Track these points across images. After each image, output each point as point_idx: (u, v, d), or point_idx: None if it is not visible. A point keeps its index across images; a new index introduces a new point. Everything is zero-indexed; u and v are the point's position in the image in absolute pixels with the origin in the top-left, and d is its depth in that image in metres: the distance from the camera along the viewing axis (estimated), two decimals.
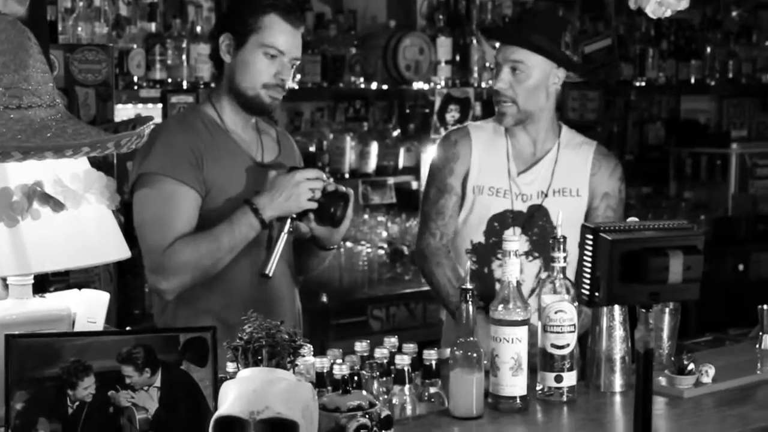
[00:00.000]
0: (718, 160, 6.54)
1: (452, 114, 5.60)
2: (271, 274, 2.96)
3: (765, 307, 3.18)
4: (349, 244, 5.08)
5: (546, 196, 3.28)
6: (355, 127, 5.43)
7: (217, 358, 2.18)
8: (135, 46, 4.47)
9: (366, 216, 5.31)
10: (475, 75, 5.55)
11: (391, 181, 5.48)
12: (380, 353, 2.59)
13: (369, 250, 5.16)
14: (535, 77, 3.21)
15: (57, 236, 2.24)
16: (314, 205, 2.94)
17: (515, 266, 2.62)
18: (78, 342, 2.13)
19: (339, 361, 2.49)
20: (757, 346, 3.18)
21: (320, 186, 2.94)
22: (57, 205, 2.24)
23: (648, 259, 2.08)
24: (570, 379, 2.69)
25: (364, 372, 2.55)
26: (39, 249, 2.21)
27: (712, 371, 2.81)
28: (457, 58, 5.51)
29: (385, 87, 5.43)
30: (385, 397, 2.53)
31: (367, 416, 2.18)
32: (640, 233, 2.14)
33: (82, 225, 2.28)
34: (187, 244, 2.89)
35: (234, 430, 1.96)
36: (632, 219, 2.33)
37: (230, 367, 2.34)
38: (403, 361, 2.52)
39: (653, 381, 2.69)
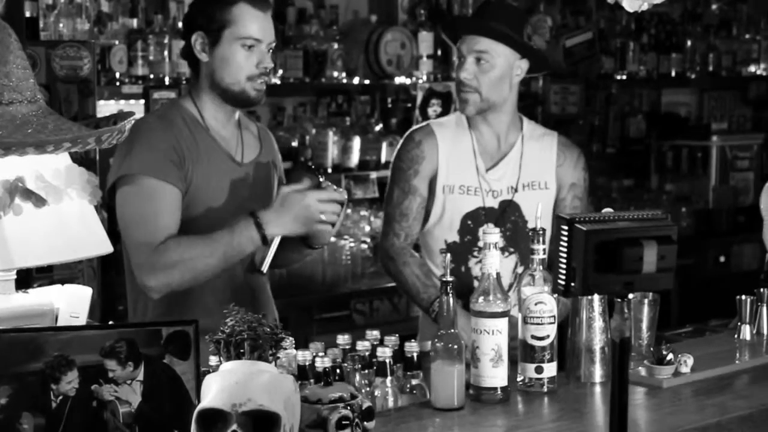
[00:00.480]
0: (698, 152, 6.58)
1: (434, 108, 5.61)
2: (264, 271, 2.95)
3: (743, 297, 3.22)
4: (332, 238, 5.09)
5: (516, 190, 3.30)
6: (338, 122, 5.45)
7: (200, 351, 2.19)
8: (117, 42, 4.48)
9: (349, 210, 5.33)
10: None
11: (373, 175, 5.49)
12: (362, 346, 2.60)
13: (352, 244, 5.18)
14: (499, 67, 3.22)
15: (39, 231, 2.25)
16: (326, 228, 2.86)
17: (495, 258, 2.64)
18: (61, 336, 2.13)
19: (321, 353, 2.51)
20: (736, 336, 3.22)
21: (335, 210, 2.85)
22: (39, 201, 2.25)
23: (622, 250, 2.10)
24: (550, 370, 2.72)
25: (346, 364, 2.57)
26: (21, 244, 2.22)
27: (690, 361, 2.84)
28: (439, 52, 5.53)
29: (367, 82, 5.45)
30: (368, 389, 2.55)
31: (348, 408, 2.20)
32: (614, 224, 2.16)
33: (64, 220, 2.29)
34: (180, 243, 2.84)
35: (217, 422, 1.98)
36: (607, 210, 2.35)
37: (212, 360, 2.35)
38: (384, 353, 2.54)
39: (633, 371, 2.75)
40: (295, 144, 5.22)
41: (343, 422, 2.18)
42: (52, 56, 3.89)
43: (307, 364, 2.49)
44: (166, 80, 4.59)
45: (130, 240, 2.90)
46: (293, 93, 5.42)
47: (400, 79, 5.47)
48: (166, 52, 4.57)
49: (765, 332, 3.24)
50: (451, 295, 2.57)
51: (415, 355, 2.59)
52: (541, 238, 2.73)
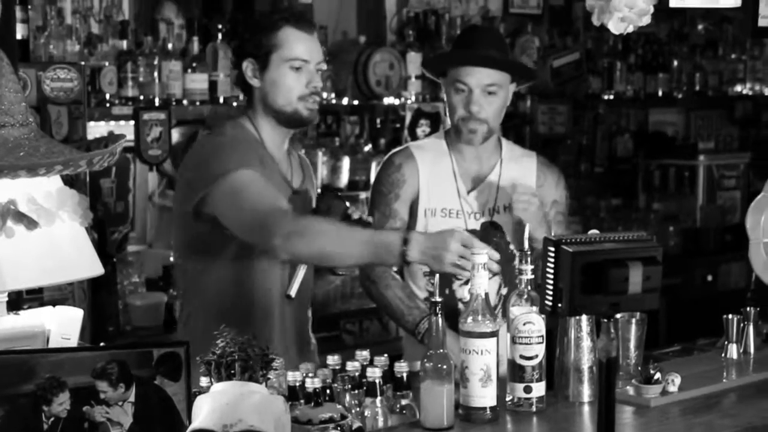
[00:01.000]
0: (686, 171, 6.61)
1: (423, 128, 5.64)
2: (293, 295, 2.97)
3: (730, 316, 3.24)
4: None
5: (497, 212, 3.32)
6: (327, 143, 5.47)
7: (191, 372, 2.21)
8: (107, 63, 4.49)
9: None
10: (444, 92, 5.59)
11: (363, 195, 5.51)
12: (352, 366, 2.61)
13: None
14: (503, 97, 3.27)
15: (31, 254, 2.26)
16: (458, 272, 2.73)
17: (484, 279, 2.65)
18: (52, 358, 2.15)
19: (311, 374, 2.52)
20: (723, 355, 3.24)
21: (474, 260, 2.64)
22: (31, 223, 2.27)
23: (608, 271, 2.13)
24: (539, 389, 2.73)
25: (336, 385, 2.58)
26: (13, 266, 2.24)
27: (678, 380, 2.86)
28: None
29: (356, 102, 5.47)
30: (357, 409, 2.56)
31: (338, 428, 2.22)
32: (600, 245, 2.19)
33: (56, 242, 2.31)
34: (319, 218, 2.85)
35: None
36: (593, 231, 2.38)
37: (203, 381, 2.36)
38: (374, 373, 2.55)
39: (621, 390, 2.76)
40: None
41: None
42: (43, 78, 3.91)
43: (297, 384, 2.50)
44: (156, 101, 4.61)
45: (257, 213, 2.80)
46: None
47: (388, 100, 5.49)
48: (156, 73, 4.59)
49: (752, 351, 3.26)
50: (440, 315, 2.59)
51: (404, 375, 2.61)
52: (528, 259, 2.75)
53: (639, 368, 2.95)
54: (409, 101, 5.55)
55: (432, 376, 2.57)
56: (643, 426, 2.67)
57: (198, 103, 4.75)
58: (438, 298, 2.61)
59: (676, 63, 6.68)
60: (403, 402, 2.61)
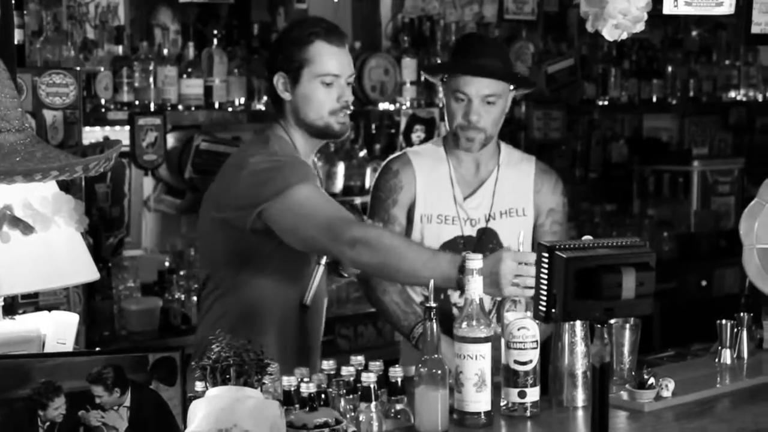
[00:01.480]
0: (680, 177, 6.63)
1: (418, 134, 5.65)
2: (308, 304, 2.99)
3: (724, 321, 3.25)
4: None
5: (494, 218, 3.33)
6: (322, 148, 5.45)
7: (186, 377, 2.21)
8: (102, 68, 4.50)
9: None
10: (441, 95, 5.61)
11: (357, 201, 5.52)
12: (347, 371, 2.62)
13: None
14: (501, 105, 3.28)
15: (27, 259, 2.27)
16: (519, 294, 2.69)
17: (478, 284, 2.65)
18: (48, 363, 2.15)
19: (306, 378, 2.53)
20: (717, 360, 3.25)
21: (532, 274, 2.54)
22: (27, 228, 2.27)
23: (602, 276, 2.14)
24: (533, 394, 2.74)
25: (330, 390, 2.59)
26: (9, 271, 2.24)
27: (672, 385, 2.87)
28: (422, 78, 5.57)
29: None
30: (352, 414, 2.56)
31: None
32: (594, 251, 2.20)
33: (52, 247, 2.31)
34: (384, 229, 2.92)
35: None
36: (587, 237, 2.39)
37: (198, 386, 2.37)
38: (369, 378, 2.55)
39: (615, 395, 2.77)
40: None
41: None
42: (38, 83, 3.90)
43: (292, 389, 2.51)
44: (152, 106, 4.61)
45: (324, 223, 2.83)
46: None
47: (383, 105, 5.50)
48: (151, 79, 4.60)
49: (745, 356, 3.28)
50: (434, 320, 2.60)
51: (399, 380, 2.61)
52: None
53: (633, 373, 2.96)
54: (404, 107, 5.57)
55: (427, 381, 2.57)
56: (637, 431, 2.68)
57: (193, 109, 4.75)
58: (432, 304, 2.61)
59: (670, 69, 6.70)
60: (398, 407, 2.62)
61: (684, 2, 3.18)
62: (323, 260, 3.01)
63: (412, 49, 5.55)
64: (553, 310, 2.16)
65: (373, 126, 5.71)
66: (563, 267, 2.14)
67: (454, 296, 3.27)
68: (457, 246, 3.28)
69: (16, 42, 3.95)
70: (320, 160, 5.33)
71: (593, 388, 2.18)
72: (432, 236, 3.29)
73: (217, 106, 4.79)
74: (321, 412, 2.28)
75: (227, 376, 2.13)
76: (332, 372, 2.64)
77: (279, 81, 3.04)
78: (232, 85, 4.83)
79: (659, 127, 7.09)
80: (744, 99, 7.12)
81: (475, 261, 2.66)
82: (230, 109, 4.84)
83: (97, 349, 3.69)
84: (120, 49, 4.58)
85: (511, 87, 3.31)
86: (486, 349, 2.65)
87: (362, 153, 5.58)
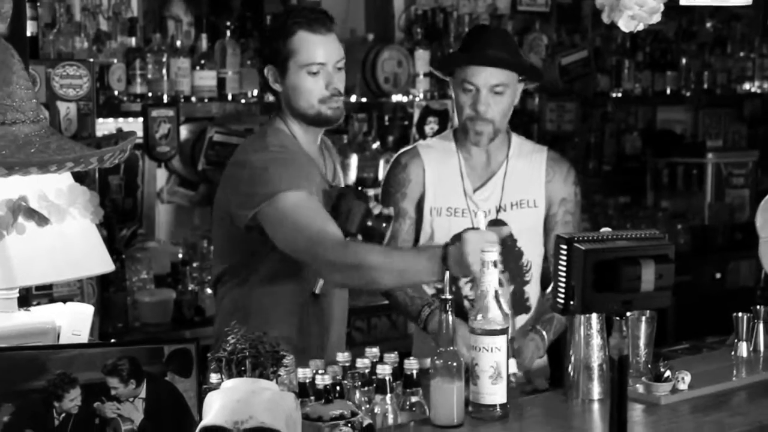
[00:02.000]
0: (694, 169, 6.59)
1: (431, 126, 5.64)
2: (318, 292, 2.99)
3: (740, 314, 3.23)
4: None
5: (504, 210, 3.31)
6: (335, 140, 5.43)
7: (201, 369, 2.21)
8: (115, 60, 4.49)
9: None
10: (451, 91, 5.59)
11: (371, 192, 5.50)
12: (362, 363, 2.62)
13: None
14: (510, 96, 3.26)
15: (42, 250, 2.26)
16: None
17: (494, 276, 2.65)
18: (63, 354, 2.15)
19: (321, 371, 2.52)
20: (733, 353, 3.24)
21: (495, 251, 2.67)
22: (42, 220, 2.27)
23: (621, 269, 2.12)
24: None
25: (345, 382, 2.58)
26: (24, 263, 2.24)
27: (688, 378, 2.86)
28: None
29: (364, 100, 5.46)
30: (367, 406, 2.56)
31: (349, 425, 2.22)
32: (612, 243, 2.19)
33: (67, 239, 2.31)
34: (364, 247, 2.88)
35: None
36: (605, 229, 2.38)
37: (213, 378, 2.37)
38: (384, 370, 2.55)
39: (631, 388, 2.76)
40: None
41: None
42: (52, 75, 3.91)
43: (307, 381, 2.50)
44: (165, 98, 4.61)
45: (306, 239, 2.86)
46: None
47: (397, 97, 5.49)
48: (164, 71, 4.59)
49: (762, 349, 3.26)
50: (450, 312, 2.59)
51: (414, 372, 2.60)
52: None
53: (649, 366, 2.95)
54: (417, 99, 5.55)
55: (442, 373, 2.57)
56: (653, 424, 2.67)
57: (206, 100, 4.75)
58: (448, 296, 2.60)
59: (684, 61, 6.67)
60: (413, 399, 2.61)
61: None
62: None
63: (425, 41, 5.53)
64: (572, 303, 2.15)
65: (387, 118, 5.69)
66: (582, 259, 2.12)
67: (466, 289, 3.26)
68: None
69: (29, 34, 3.95)
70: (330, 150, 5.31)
71: (612, 380, 2.17)
72: (442, 229, 3.28)
73: (230, 97, 4.78)
74: (337, 405, 2.28)
75: (243, 368, 2.12)
76: (347, 364, 2.64)
77: (269, 73, 3.07)
78: (245, 77, 4.81)
79: (673, 120, 7.05)
80: (759, 91, 7.07)
81: (490, 253, 2.65)
82: (243, 101, 4.83)
83: (113, 340, 3.69)
84: (133, 41, 4.57)
85: (520, 78, 3.28)
86: (501, 341, 2.64)
87: (375, 145, 5.57)
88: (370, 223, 2.95)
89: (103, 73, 4.43)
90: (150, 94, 4.58)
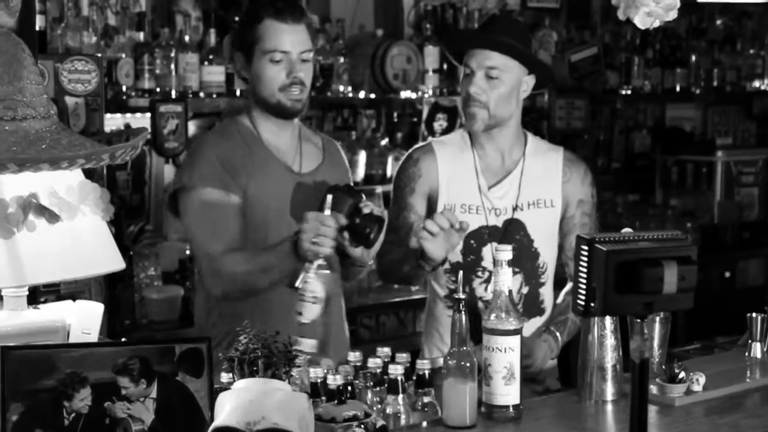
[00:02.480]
0: (703, 167, 6.57)
1: (440, 123, 5.61)
2: (298, 285, 2.97)
3: (754, 315, 3.20)
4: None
5: (521, 209, 3.27)
6: (344, 136, 5.44)
7: (213, 369, 2.18)
8: (123, 55, 4.47)
9: None
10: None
11: (379, 189, 5.48)
12: (374, 363, 2.60)
13: None
14: (508, 83, 3.20)
15: (52, 248, 2.23)
16: (317, 250, 2.85)
17: (507, 276, 2.62)
18: (73, 353, 2.13)
19: (332, 370, 2.50)
20: (747, 354, 3.20)
21: (328, 236, 2.84)
22: (52, 217, 2.24)
23: (643, 270, 2.09)
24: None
25: (357, 382, 2.56)
26: (34, 261, 2.21)
27: (702, 379, 2.83)
28: (445, 67, 5.52)
29: (372, 96, 5.44)
30: (379, 406, 2.54)
31: (362, 426, 2.19)
32: (634, 244, 2.15)
33: (78, 236, 2.28)
34: (236, 259, 2.97)
35: None
36: (627, 230, 2.34)
37: (224, 377, 2.35)
38: (396, 370, 2.53)
39: None
40: None
41: None
42: (60, 70, 3.88)
43: (319, 381, 2.48)
44: (173, 93, 4.59)
45: (195, 248, 3.16)
46: None
47: (405, 94, 5.47)
48: (172, 66, 4.57)
49: None
50: (463, 312, 2.56)
51: (426, 372, 2.58)
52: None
53: (663, 367, 2.92)
54: (426, 95, 5.53)
55: (455, 373, 2.54)
56: (668, 425, 2.65)
57: (214, 96, 4.74)
58: (461, 295, 2.58)
59: (694, 58, 6.64)
60: (425, 399, 2.59)
61: None
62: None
63: (434, 37, 5.50)
64: (593, 304, 2.11)
65: (395, 114, 5.68)
66: (603, 260, 2.09)
67: (479, 289, 3.23)
68: (482, 236, 3.23)
69: (37, 28, 3.93)
70: (342, 148, 5.24)
71: (632, 383, 2.14)
72: None
73: (238, 93, 4.76)
74: (350, 405, 2.25)
75: (255, 368, 2.10)
76: (358, 364, 2.62)
77: (237, 61, 3.13)
78: None
79: (682, 117, 7.03)
80: None
81: (505, 252, 2.63)
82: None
83: (123, 339, 3.67)
84: (141, 36, 4.55)
85: (527, 72, 3.24)
86: (515, 341, 2.61)
87: (384, 141, 5.55)
88: (357, 221, 2.91)
89: (111, 68, 4.41)
90: (158, 90, 4.56)
